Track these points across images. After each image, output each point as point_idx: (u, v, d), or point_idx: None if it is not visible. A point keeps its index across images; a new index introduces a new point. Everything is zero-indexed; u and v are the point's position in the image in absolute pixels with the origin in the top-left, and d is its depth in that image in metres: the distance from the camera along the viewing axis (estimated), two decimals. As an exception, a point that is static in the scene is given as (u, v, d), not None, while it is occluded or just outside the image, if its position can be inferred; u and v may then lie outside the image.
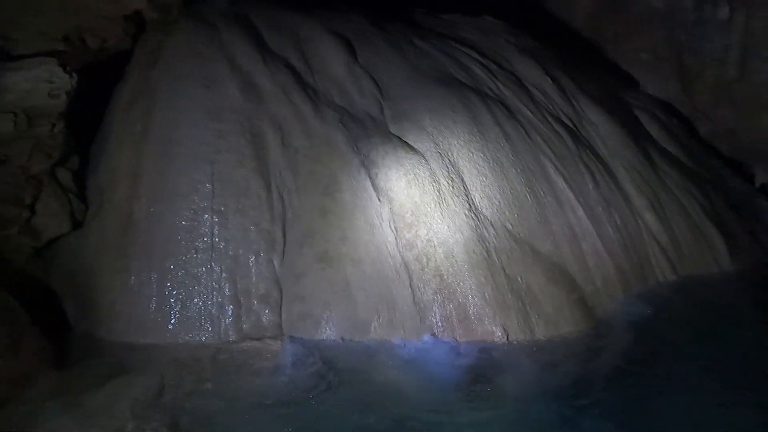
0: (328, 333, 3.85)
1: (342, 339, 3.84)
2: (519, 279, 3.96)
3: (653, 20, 6.95)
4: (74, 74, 3.74)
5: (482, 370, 3.64)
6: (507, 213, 4.22)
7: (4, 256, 3.78)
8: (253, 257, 3.99)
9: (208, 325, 3.85)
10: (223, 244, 3.96)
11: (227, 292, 3.90)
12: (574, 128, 5.16)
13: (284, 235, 4.11)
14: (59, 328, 4.00)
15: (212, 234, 3.96)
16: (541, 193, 4.46)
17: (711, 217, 5.14)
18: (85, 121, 4.48)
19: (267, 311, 3.93)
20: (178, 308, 3.85)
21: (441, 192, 4.16)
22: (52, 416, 3.03)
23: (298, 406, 3.36)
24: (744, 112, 6.54)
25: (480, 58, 5.26)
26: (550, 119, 5.01)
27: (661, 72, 7.01)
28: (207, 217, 3.99)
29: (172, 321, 3.85)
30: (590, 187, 4.78)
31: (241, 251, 3.98)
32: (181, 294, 3.87)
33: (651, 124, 5.96)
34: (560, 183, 4.60)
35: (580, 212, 4.53)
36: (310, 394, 3.45)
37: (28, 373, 3.35)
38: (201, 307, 3.86)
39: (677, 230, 4.96)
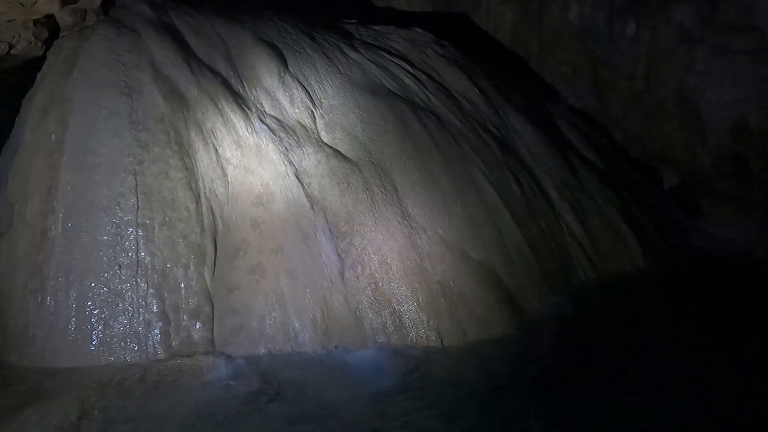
0: (262, 346, 3.79)
1: (278, 351, 3.78)
2: (451, 284, 4.07)
3: (572, 35, 7.42)
4: (-23, 81, 3.47)
5: (418, 376, 3.70)
6: (439, 219, 4.33)
7: None
8: (182, 271, 3.86)
9: (134, 344, 3.67)
10: (149, 258, 3.79)
11: (154, 308, 3.74)
12: (501, 137, 5.39)
13: (215, 248, 4.00)
14: (-37, 356, 3.68)
15: (137, 248, 3.78)
16: (471, 199, 4.61)
17: (626, 219, 5.52)
18: (-8, 131, 4.17)
19: (198, 326, 3.80)
20: (100, 328, 3.64)
21: (374, 200, 4.21)
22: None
23: (232, 424, 3.27)
24: (651, 121, 7.12)
25: (410, 69, 5.39)
26: (478, 128, 5.21)
27: (579, 83, 7.48)
28: (131, 231, 3.81)
29: (94, 342, 3.64)
30: (516, 192, 5.00)
31: (168, 265, 3.83)
32: (104, 313, 3.66)
33: (571, 132, 6.34)
34: (488, 189, 4.78)
35: (507, 217, 4.73)
36: (245, 410, 3.37)
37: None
38: (126, 325, 3.67)
39: (596, 231, 5.29)
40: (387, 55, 5.44)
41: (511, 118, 5.69)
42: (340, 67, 5.03)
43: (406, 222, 4.20)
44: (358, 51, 5.32)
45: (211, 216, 4.06)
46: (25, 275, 3.74)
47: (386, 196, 4.26)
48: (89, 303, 3.67)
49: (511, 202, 4.85)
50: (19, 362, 3.64)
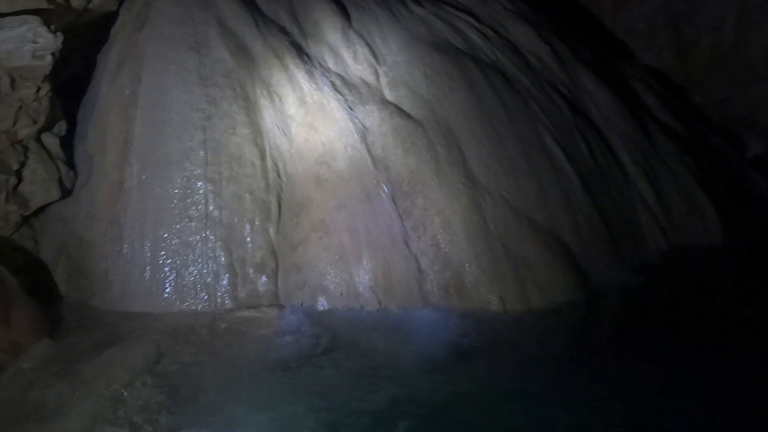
0: (324, 301, 3.85)
1: (339, 307, 3.84)
2: (515, 247, 3.97)
3: (651, -13, 6.86)
4: (59, 34, 3.58)
5: (478, 338, 3.66)
6: (504, 182, 4.20)
7: (-8, 225, 3.69)
8: (248, 226, 3.95)
9: (203, 294, 3.82)
10: (217, 212, 3.90)
11: (222, 260, 3.86)
12: (571, 97, 5.11)
13: (279, 204, 4.06)
14: (50, 297, 3.95)
15: (206, 202, 3.89)
16: (538, 162, 4.43)
17: (704, 188, 5.17)
18: (71, 85, 4.33)
19: (263, 280, 3.91)
20: (172, 277, 3.81)
21: (438, 160, 4.12)
22: (48, 384, 3.01)
23: (296, 373, 3.37)
24: (737, 83, 6.55)
25: (477, 24, 5.15)
26: (547, 87, 4.96)
27: (656, 42, 6.96)
28: (200, 185, 3.91)
29: (167, 289, 3.81)
30: (586, 155, 4.77)
31: (235, 220, 3.92)
32: (176, 262, 3.82)
33: (646, 94, 5.94)
34: (556, 151, 4.57)
35: (576, 181, 4.53)
36: (308, 361, 3.46)
37: (20, 343, 3.31)
38: (196, 275, 3.82)
39: (670, 200, 4.99)
40: (453, 10, 5.21)
41: (582, 77, 5.38)
42: (404, 23, 4.87)
43: (470, 183, 4.10)
44: (422, 6, 5.12)
45: (275, 172, 4.11)
46: (103, 224, 3.94)
47: (450, 156, 4.15)
48: (162, 253, 3.83)
49: (579, 165, 4.63)
50: (100, 305, 3.88)
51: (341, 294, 3.85)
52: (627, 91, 5.76)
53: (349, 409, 3.05)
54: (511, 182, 4.23)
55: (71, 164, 4.10)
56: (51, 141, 3.96)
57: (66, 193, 4.02)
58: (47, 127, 3.96)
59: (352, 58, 4.55)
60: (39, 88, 3.66)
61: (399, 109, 4.32)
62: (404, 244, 3.93)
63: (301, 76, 4.29)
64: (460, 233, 3.92)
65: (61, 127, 4.08)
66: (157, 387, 3.08)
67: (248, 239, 3.93)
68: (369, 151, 4.13)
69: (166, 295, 3.80)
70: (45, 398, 2.89)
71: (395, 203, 4.01)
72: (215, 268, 3.84)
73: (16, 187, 3.63)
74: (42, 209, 4.02)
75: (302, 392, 3.18)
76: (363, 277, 3.87)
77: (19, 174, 3.65)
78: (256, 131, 4.11)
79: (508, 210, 4.10)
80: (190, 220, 3.85)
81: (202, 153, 3.94)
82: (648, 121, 5.48)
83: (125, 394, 2.96)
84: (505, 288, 3.84)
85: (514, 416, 2.97)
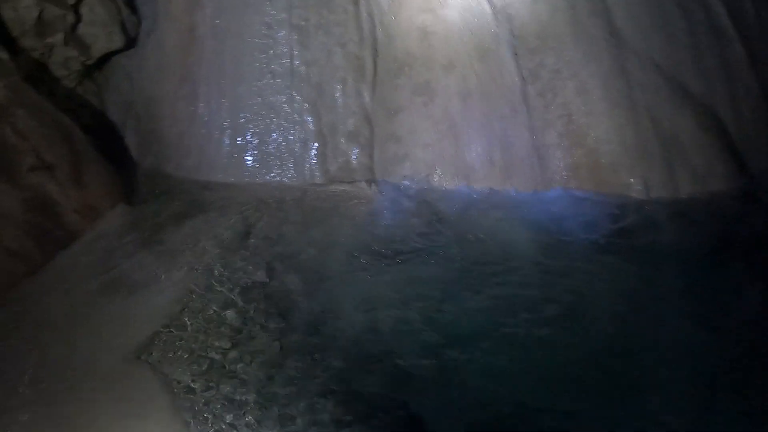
0: (429, 179, 3.30)
1: (446, 187, 3.29)
2: (666, 123, 3.22)
3: None
4: None
5: (614, 229, 3.09)
6: (655, 40, 3.33)
7: (52, 73, 3.22)
8: (340, 86, 3.33)
9: (290, 164, 3.34)
10: (303, 68, 3.29)
11: (311, 126, 3.32)
12: (739, -63, 3.96)
13: (375, 62, 3.39)
14: (122, 162, 3.57)
15: (291, 55, 3.26)
16: (696, 19, 3.49)
17: None
18: None
19: (356, 151, 3.37)
20: (255, 143, 3.33)
21: (575, 10, 3.26)
22: (132, 252, 2.69)
23: (396, 257, 2.93)
24: None
25: None
26: None
27: None
28: (284, 34, 3.26)
29: (250, 158, 3.35)
30: (751, 16, 3.76)
31: (325, 78, 3.31)
32: (258, 127, 3.31)
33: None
34: (718, 8, 3.59)
35: (738, 47, 3.59)
36: (409, 245, 3.01)
37: (96, 206, 2.97)
38: (281, 143, 3.32)
39: None
40: None
41: None
42: None
43: (614, 40, 3.26)
44: None
45: (370, 22, 3.38)
46: (174, 80, 3.41)
47: (591, 4, 3.29)
48: (243, 115, 3.31)
49: (744, 28, 3.66)
50: (176, 173, 3.48)
51: (449, 172, 3.28)
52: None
53: (460, 308, 2.62)
54: (664, 41, 3.35)
55: (133, 7, 3.49)
56: (108, -25, 3.34)
57: (130, 41, 3.47)
58: (103, -42, 3.31)
59: None
60: None
61: (526, -57, 3.39)
62: (527, 114, 3.24)
63: None
64: (599, 102, 3.18)
65: (119, -42, 3.42)
66: (250, 262, 2.72)
67: (339, 102, 3.34)
68: (487, -4, 3.31)
69: (249, 164, 3.35)
70: (130, 268, 2.58)
71: (518, 63, 3.26)
72: (303, 135, 3.32)
73: (74, 27, 3.09)
74: (105, 61, 3.50)
75: (403, 283, 2.76)
76: (475, 151, 3.27)
77: (76, 11, 3.08)
78: (349, -31, 3.33)
79: (658, 76, 3.29)
80: (274, 77, 3.27)
81: (285, -7, 3.24)
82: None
83: (218, 268, 2.61)
84: (650, 171, 3.16)
85: (652, 324, 2.48)
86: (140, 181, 3.45)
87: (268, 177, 3.33)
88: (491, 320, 2.56)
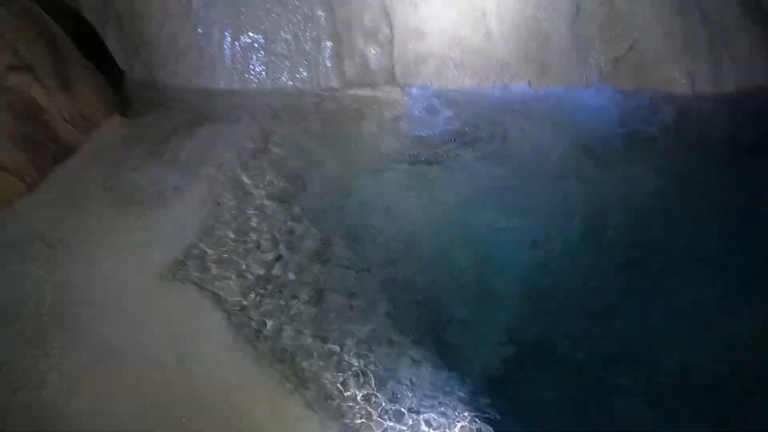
0: (458, 79, 3.02)
1: (477, 87, 3.02)
2: (714, 14, 2.96)
3: None
4: None
5: (650, 128, 2.91)
6: None
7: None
8: (355, -26, 2.93)
9: (302, 67, 2.98)
10: (312, -52, 2.85)
11: (323, 22, 2.94)
12: None
13: (393, -57, 2.97)
14: (110, 72, 3.13)
15: (297, -67, 2.82)
16: None
17: None
18: None
19: (375, 51, 3.03)
20: (261, 42, 2.93)
21: None
22: (141, 165, 2.37)
23: (431, 165, 2.71)
24: None
25: None
26: None
27: None
28: None
29: (255, 60, 2.97)
30: None
31: (338, -37, 2.89)
32: (263, 23, 2.91)
33: None
34: None
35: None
36: (443, 151, 2.78)
37: (90, 117, 2.60)
38: (290, 42, 2.94)
39: None
40: None
41: None
42: None
43: None
44: None
45: None
46: (161, -31, 2.93)
47: None
48: (243, 9, 2.89)
49: None
50: (170, 81, 3.08)
51: (481, 70, 3.00)
52: None
53: (499, 218, 2.46)
54: None
55: None
56: None
57: None
58: None
59: None
60: None
61: None
62: (565, 3, 2.93)
63: None
64: (645, -13, 2.89)
65: None
66: (276, 174, 2.44)
67: (355, -7, 2.94)
68: None
69: (255, 68, 2.97)
70: (143, 182, 2.27)
71: (556, -57, 2.91)
72: (314, 32, 2.94)
73: None
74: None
75: (437, 189, 2.56)
76: (509, 46, 2.97)
77: None
78: None
79: (707, -41, 2.99)
80: (278, -40, 2.83)
81: None
82: None
83: (244, 180, 2.34)
84: (696, 64, 2.94)
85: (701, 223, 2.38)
86: (132, 91, 3.05)
87: (277, 82, 2.98)
88: (531, 225, 2.42)
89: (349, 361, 1.69)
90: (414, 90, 3.05)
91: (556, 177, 2.65)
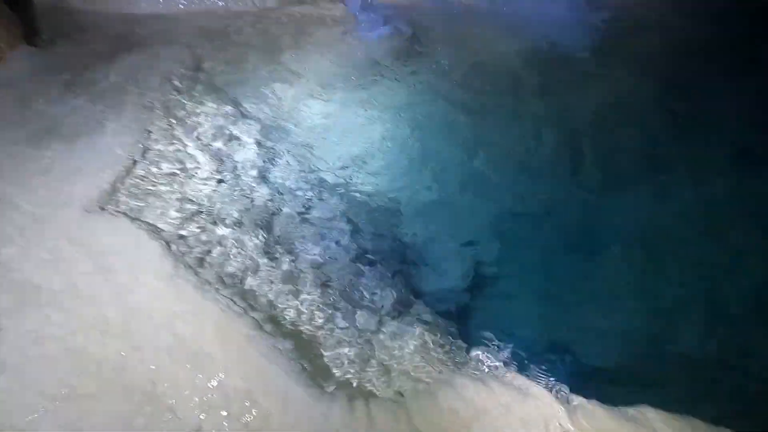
0: (403, -8, 2.82)
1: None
2: None
3: None
4: None
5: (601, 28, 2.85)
6: None
7: None
8: None
9: (233, -16, 2.71)
10: None
11: (252, -71, 2.65)
12: None
13: None
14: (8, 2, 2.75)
15: None
16: None
17: None
18: None
19: (313, -37, 2.77)
20: (184, -44, 2.63)
21: None
22: (58, 97, 2.10)
23: (377, 84, 2.56)
24: None
25: None
26: None
27: None
28: None
29: (180, -21, 2.67)
30: None
31: None
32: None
33: None
34: None
35: None
36: (396, 67, 2.63)
37: (-9, 48, 2.27)
38: (218, -45, 2.65)
39: None
40: None
41: None
42: None
43: None
44: None
45: None
46: None
47: None
48: None
49: None
50: (85, 5, 2.75)
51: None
52: None
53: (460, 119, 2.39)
54: None
55: None
56: None
57: None
58: None
59: None
60: None
61: None
62: None
63: None
64: None
65: None
66: (212, 95, 2.22)
67: None
68: None
69: (181, -13, 2.68)
70: (62, 113, 2.02)
71: None
72: (243, -58, 2.65)
73: None
74: None
75: (388, 107, 2.43)
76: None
77: None
78: None
79: None
80: None
81: None
82: None
83: (177, 104, 2.11)
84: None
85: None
86: (38, 19, 2.69)
87: (208, 3, 2.70)
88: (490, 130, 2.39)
89: (304, 277, 1.60)
90: (358, 4, 2.84)
91: (500, 82, 2.57)
